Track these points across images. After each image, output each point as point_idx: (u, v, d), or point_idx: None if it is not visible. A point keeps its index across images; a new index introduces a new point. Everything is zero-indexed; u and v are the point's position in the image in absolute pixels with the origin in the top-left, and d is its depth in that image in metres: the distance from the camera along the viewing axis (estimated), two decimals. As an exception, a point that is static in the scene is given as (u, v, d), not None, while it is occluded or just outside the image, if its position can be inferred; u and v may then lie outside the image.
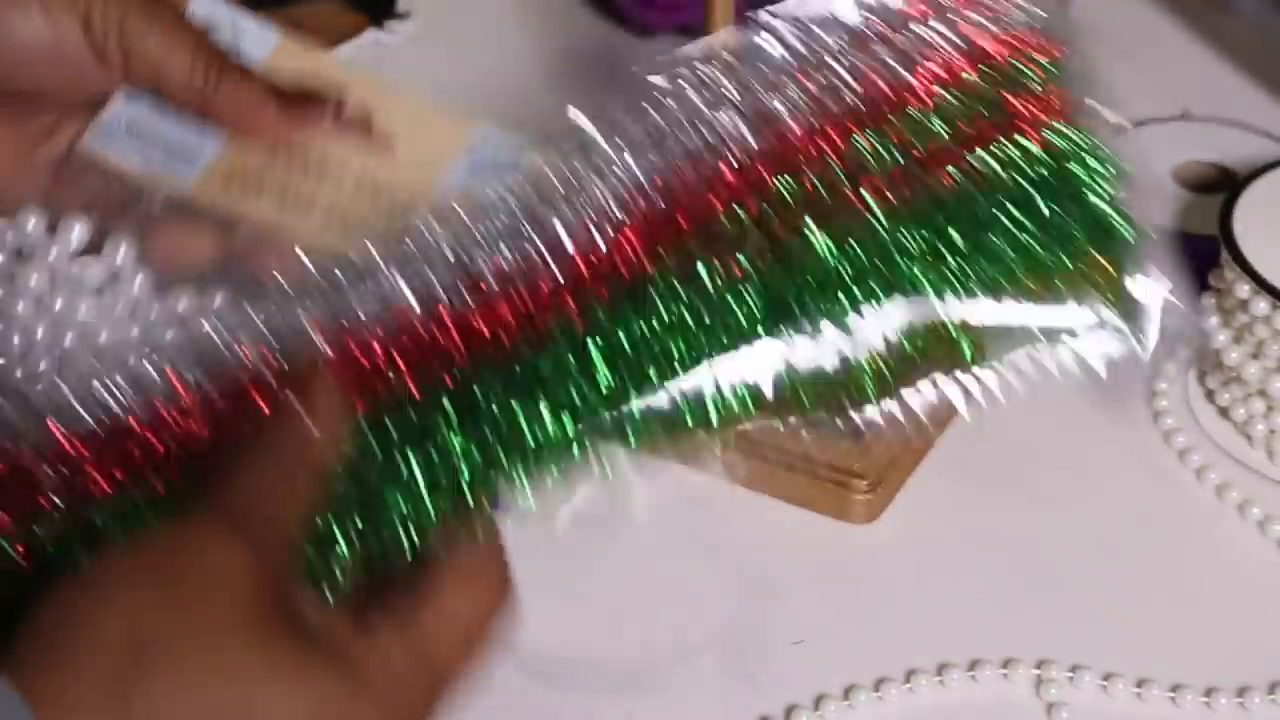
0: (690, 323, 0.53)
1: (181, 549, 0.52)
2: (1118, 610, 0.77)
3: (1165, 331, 0.57)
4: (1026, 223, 0.55)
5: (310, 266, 0.54)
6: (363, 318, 0.53)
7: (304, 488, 0.54)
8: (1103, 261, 0.56)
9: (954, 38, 0.55)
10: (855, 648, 0.75)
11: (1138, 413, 0.86)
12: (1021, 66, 0.56)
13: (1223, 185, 0.94)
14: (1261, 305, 0.81)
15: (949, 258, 0.54)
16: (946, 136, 0.54)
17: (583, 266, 0.53)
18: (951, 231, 0.54)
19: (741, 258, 0.53)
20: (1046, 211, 0.55)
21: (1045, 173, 0.55)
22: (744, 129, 0.54)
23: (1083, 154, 0.56)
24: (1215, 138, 0.97)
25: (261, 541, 0.53)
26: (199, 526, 0.53)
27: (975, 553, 0.79)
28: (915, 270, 0.53)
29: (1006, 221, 0.54)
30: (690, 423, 0.53)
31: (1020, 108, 0.55)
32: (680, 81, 0.55)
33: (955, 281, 0.54)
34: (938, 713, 0.73)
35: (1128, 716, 0.73)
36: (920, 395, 0.53)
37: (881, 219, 0.53)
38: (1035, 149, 0.55)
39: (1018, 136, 0.55)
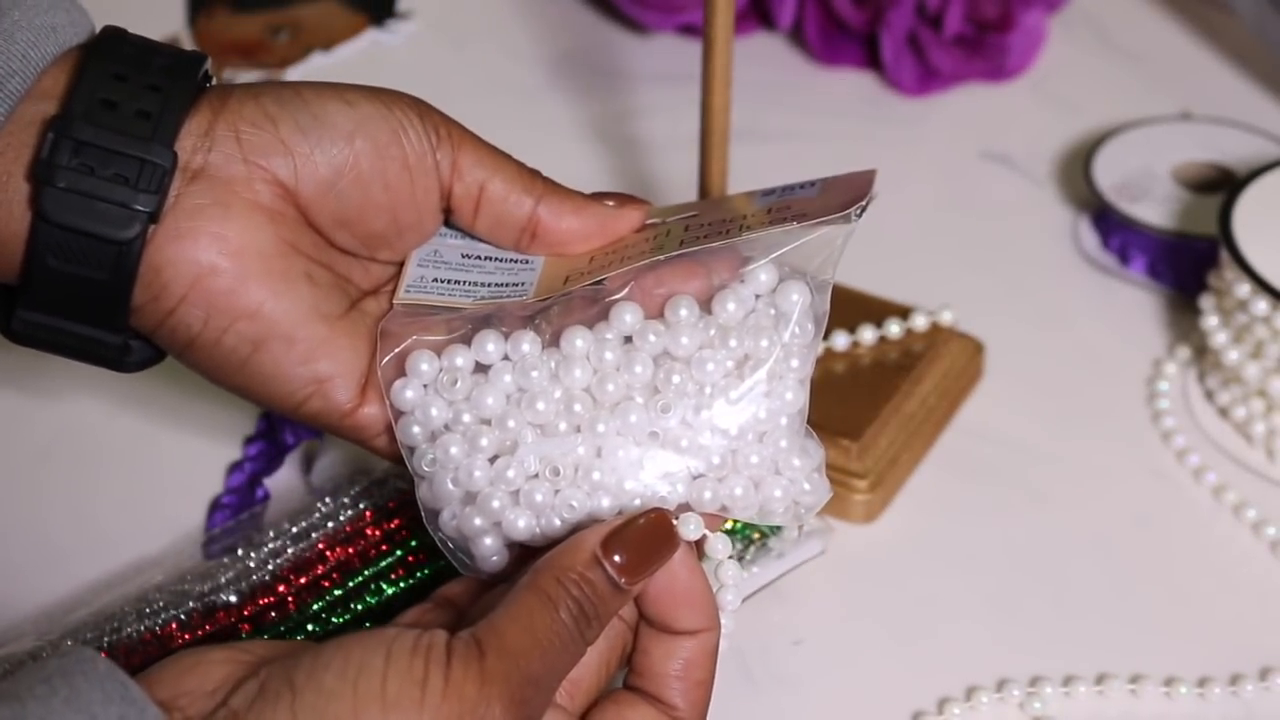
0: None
1: (469, 711, 0.55)
2: (1113, 609, 0.77)
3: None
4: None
5: None
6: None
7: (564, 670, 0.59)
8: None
9: None
10: (855, 648, 0.76)
11: (1138, 413, 0.86)
12: None
13: (1223, 185, 0.94)
14: (1261, 305, 0.81)
15: None
16: None
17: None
18: None
19: None
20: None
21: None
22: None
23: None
24: (1215, 138, 0.97)
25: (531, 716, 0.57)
26: (491, 711, 0.56)
27: (974, 553, 0.79)
28: None
29: None
30: None
31: None
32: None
33: None
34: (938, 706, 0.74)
35: (1123, 714, 0.73)
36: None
37: None
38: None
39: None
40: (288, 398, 0.65)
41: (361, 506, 0.75)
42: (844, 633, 0.76)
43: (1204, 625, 0.77)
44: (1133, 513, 0.81)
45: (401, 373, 0.65)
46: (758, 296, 0.64)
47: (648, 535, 0.60)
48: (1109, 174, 0.94)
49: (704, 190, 0.80)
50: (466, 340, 0.65)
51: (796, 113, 1.03)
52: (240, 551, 0.74)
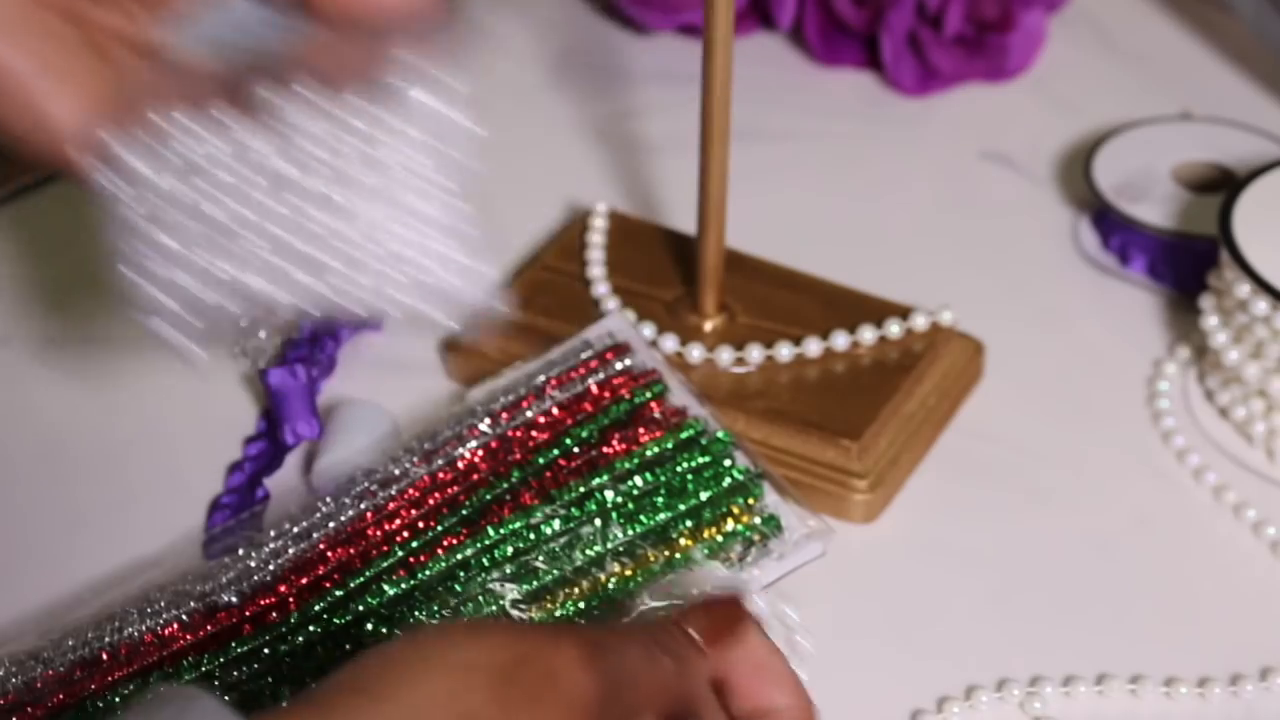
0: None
1: (536, 658, 0.53)
2: (1113, 609, 0.77)
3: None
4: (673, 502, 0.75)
5: None
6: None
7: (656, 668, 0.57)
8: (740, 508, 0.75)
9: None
10: (855, 648, 0.76)
11: (1138, 413, 0.86)
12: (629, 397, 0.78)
13: (1223, 185, 0.94)
14: (1261, 305, 0.81)
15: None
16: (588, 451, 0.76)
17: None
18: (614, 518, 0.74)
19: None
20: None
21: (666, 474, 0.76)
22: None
23: (695, 443, 0.77)
24: (1215, 138, 0.97)
25: (614, 684, 0.55)
26: (560, 647, 0.54)
27: (974, 553, 0.79)
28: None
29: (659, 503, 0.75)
30: None
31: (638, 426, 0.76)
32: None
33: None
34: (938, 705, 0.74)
35: (1123, 714, 0.73)
36: None
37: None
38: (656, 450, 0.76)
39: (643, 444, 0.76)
40: (22, 136, 0.65)
41: (362, 506, 0.75)
42: (844, 633, 0.76)
43: (1204, 625, 0.77)
44: (1133, 513, 0.81)
45: (116, 158, 0.65)
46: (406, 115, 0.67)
47: (721, 614, 0.61)
48: (1109, 174, 0.94)
49: (704, 190, 0.80)
50: (182, 128, 0.65)
51: (796, 113, 1.03)
52: (241, 551, 0.74)
